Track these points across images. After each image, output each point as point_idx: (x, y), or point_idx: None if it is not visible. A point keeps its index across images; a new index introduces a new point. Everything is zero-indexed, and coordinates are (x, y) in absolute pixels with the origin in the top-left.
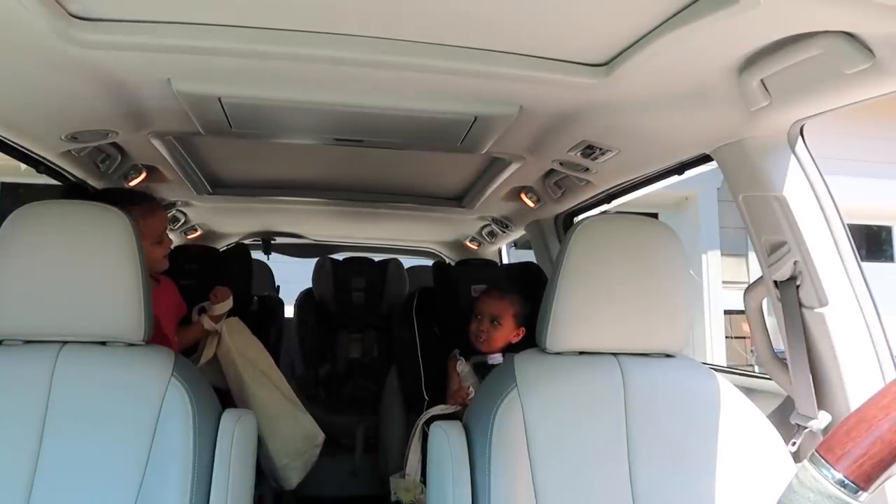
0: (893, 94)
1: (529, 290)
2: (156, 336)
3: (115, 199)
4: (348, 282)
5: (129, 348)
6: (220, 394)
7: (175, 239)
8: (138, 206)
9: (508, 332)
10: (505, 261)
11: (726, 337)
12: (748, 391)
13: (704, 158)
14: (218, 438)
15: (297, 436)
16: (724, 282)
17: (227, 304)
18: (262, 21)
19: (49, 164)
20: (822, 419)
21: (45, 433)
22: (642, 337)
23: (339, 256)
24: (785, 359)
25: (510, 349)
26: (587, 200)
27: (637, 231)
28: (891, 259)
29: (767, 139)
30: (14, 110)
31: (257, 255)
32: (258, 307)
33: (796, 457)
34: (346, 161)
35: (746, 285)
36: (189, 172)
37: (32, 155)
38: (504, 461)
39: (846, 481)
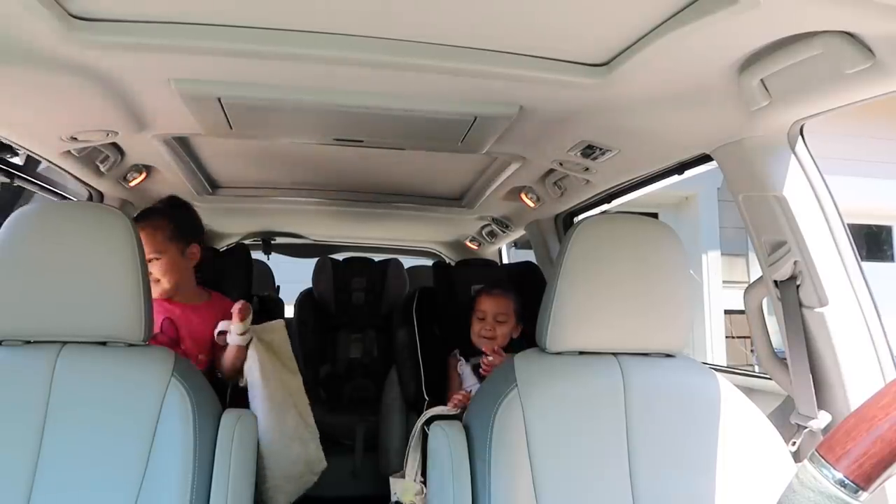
0: (893, 94)
1: (530, 290)
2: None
3: None
4: (348, 282)
5: (129, 348)
6: (219, 394)
7: None
8: None
9: (511, 328)
10: (505, 261)
11: (727, 336)
12: (748, 391)
13: (704, 158)
14: (218, 438)
15: (300, 459)
16: (724, 282)
17: (250, 317)
18: (263, 21)
19: (49, 164)
20: (822, 419)
21: (45, 433)
22: (642, 337)
23: (340, 256)
24: (785, 359)
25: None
26: (587, 200)
27: (637, 231)
28: (891, 259)
29: (767, 139)
30: (14, 110)
31: (257, 255)
32: (258, 307)
33: (796, 457)
34: (346, 161)
35: (746, 285)
36: (189, 172)
37: (32, 155)
38: (504, 461)
39: (846, 481)
